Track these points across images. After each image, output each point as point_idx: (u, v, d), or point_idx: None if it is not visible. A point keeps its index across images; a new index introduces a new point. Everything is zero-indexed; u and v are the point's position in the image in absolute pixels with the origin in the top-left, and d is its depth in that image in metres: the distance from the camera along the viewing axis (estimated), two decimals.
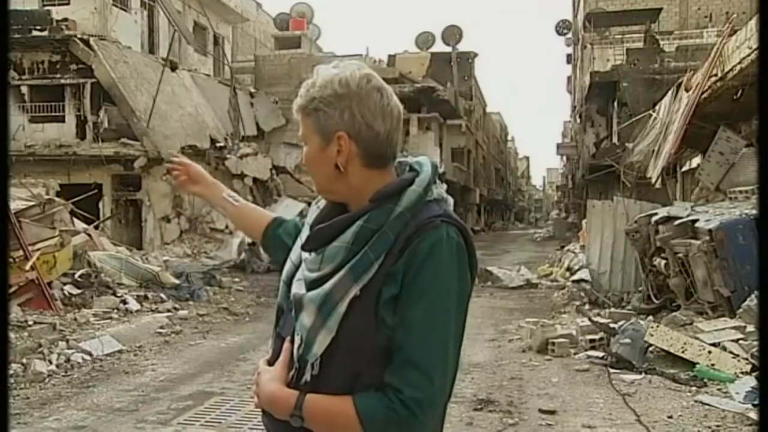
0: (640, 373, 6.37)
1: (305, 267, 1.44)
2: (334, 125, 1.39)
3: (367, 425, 1.29)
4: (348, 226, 1.37)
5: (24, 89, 18.98)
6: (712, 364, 6.10)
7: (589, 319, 8.19)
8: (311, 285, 1.40)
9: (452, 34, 39.57)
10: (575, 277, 13.00)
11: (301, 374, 1.39)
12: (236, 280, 13.56)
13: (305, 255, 1.46)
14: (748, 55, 7.98)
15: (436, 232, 1.33)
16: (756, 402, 4.95)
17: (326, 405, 1.33)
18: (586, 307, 10.31)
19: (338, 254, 1.37)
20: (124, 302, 9.96)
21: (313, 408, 1.34)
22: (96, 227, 14.31)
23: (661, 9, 28.23)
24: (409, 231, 1.34)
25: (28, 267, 8.80)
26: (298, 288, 1.44)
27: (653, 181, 11.66)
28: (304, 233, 1.52)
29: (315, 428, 1.35)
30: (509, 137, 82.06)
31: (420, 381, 1.29)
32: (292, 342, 1.42)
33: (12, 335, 7.22)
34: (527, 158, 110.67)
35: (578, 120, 33.95)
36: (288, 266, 1.54)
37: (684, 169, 13.59)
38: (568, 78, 46.50)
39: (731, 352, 6.15)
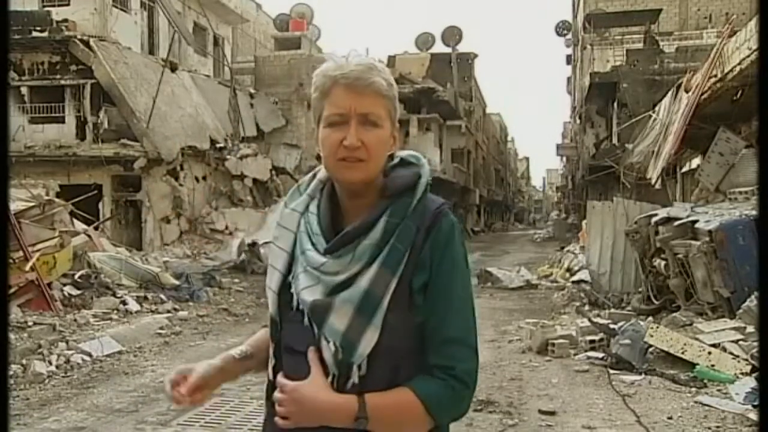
0: (640, 373, 6.37)
1: (320, 272, 1.40)
2: (396, 115, 1.47)
3: (431, 407, 1.35)
4: (374, 223, 1.40)
5: (24, 90, 18.99)
6: (712, 365, 6.09)
7: (589, 320, 8.19)
8: (337, 288, 1.38)
9: (452, 34, 39.60)
10: (575, 277, 13.00)
11: (344, 379, 1.37)
12: (236, 281, 13.55)
13: (320, 260, 1.41)
14: (748, 56, 7.98)
15: (447, 219, 1.43)
16: (756, 403, 4.95)
17: (389, 400, 1.35)
18: (586, 307, 10.31)
19: (366, 252, 1.38)
20: (124, 303, 9.96)
21: (377, 406, 1.35)
22: (96, 228, 14.31)
23: (660, 10, 28.25)
24: (428, 221, 1.41)
25: (27, 268, 8.80)
26: (310, 295, 1.40)
27: (653, 181, 11.66)
28: (285, 239, 1.48)
29: (380, 425, 1.35)
30: (509, 138, 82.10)
31: (465, 354, 1.42)
32: (319, 351, 1.39)
33: (12, 336, 7.21)
34: (527, 159, 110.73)
35: (578, 121, 33.97)
36: (276, 276, 1.48)
37: (684, 169, 13.59)
38: (568, 79, 46.52)
39: (731, 353, 6.15)
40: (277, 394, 1.39)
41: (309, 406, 1.36)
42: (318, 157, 1.51)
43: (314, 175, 1.54)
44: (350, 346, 1.36)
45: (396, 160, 1.50)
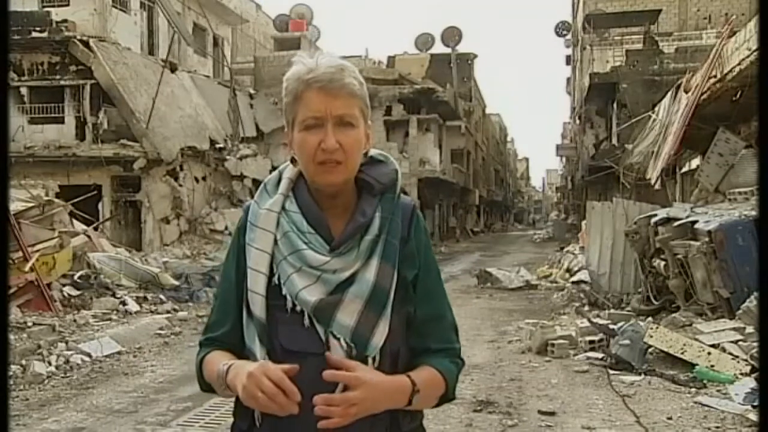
0: (640, 374, 6.37)
1: (321, 271, 1.40)
2: (368, 114, 1.48)
3: (449, 381, 1.50)
4: (371, 219, 1.44)
5: (23, 90, 18.97)
6: (712, 366, 6.09)
7: (589, 321, 8.19)
8: (341, 285, 1.40)
9: (452, 35, 39.61)
10: (575, 278, 13.00)
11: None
12: None
13: (322, 258, 1.40)
14: (748, 57, 7.98)
15: (417, 212, 1.54)
16: (755, 403, 4.95)
17: (424, 376, 1.45)
18: (586, 308, 10.31)
19: (368, 247, 1.42)
20: (124, 303, 9.96)
21: (421, 381, 1.43)
22: (95, 228, 14.31)
23: (660, 10, 28.26)
24: (406, 215, 1.50)
25: (27, 268, 8.81)
26: (311, 294, 1.39)
27: (653, 182, 11.66)
28: (264, 240, 1.44)
29: (421, 398, 1.43)
30: (509, 138, 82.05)
31: (457, 336, 1.56)
32: (329, 348, 1.38)
33: (11, 337, 7.21)
34: (527, 159, 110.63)
35: (578, 121, 33.96)
36: (261, 278, 1.43)
37: (683, 170, 13.59)
38: (568, 79, 46.50)
39: (731, 354, 6.15)
40: (345, 394, 1.31)
41: (379, 390, 1.36)
42: (293, 161, 1.50)
43: (280, 174, 1.53)
44: (362, 340, 1.39)
45: (365, 158, 1.51)
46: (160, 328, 8.94)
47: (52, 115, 19.25)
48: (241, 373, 1.34)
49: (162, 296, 10.88)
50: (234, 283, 1.51)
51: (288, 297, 1.41)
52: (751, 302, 6.68)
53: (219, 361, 1.44)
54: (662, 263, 8.90)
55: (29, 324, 7.97)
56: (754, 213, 7.24)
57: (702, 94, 9.65)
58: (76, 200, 13.16)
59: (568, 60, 44.37)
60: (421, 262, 1.50)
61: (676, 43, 25.93)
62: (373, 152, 1.53)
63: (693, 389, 5.85)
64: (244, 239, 1.49)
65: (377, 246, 1.43)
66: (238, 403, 1.51)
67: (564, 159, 50.55)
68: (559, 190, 64.85)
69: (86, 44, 18.31)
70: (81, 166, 18.55)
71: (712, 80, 9.47)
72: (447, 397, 1.51)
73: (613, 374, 6.46)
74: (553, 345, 7.44)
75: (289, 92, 1.44)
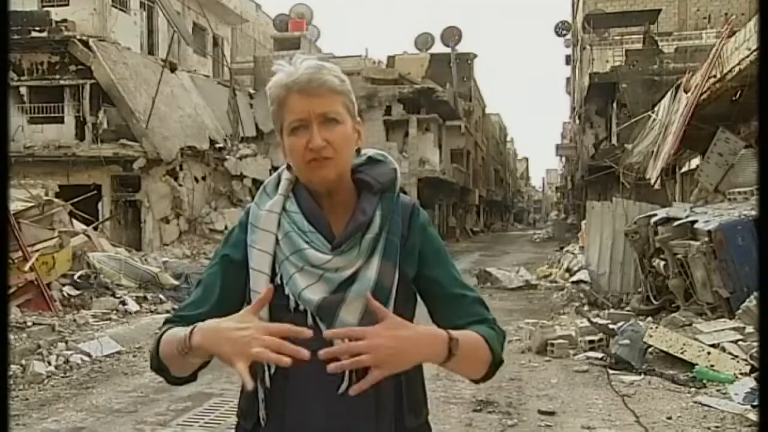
0: (640, 374, 6.37)
1: (323, 269, 1.41)
2: (354, 110, 1.48)
3: (491, 343, 1.45)
4: (372, 217, 1.44)
5: (23, 90, 18.98)
6: (712, 365, 6.10)
7: (589, 320, 8.19)
8: (343, 284, 1.40)
9: (451, 35, 39.62)
10: (574, 278, 12.99)
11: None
12: None
13: (324, 257, 1.41)
14: (747, 56, 7.99)
15: (417, 207, 1.56)
16: (755, 403, 4.96)
17: (462, 332, 1.40)
18: (586, 308, 10.31)
19: (369, 246, 1.43)
20: (123, 303, 9.96)
21: (460, 334, 1.38)
22: (95, 228, 14.30)
23: (660, 10, 28.27)
24: (406, 213, 1.51)
25: (27, 268, 8.80)
26: (313, 294, 1.40)
27: (652, 182, 11.67)
28: (265, 241, 1.44)
29: (461, 357, 1.36)
30: (508, 138, 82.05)
31: (485, 308, 1.56)
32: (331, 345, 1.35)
33: (11, 336, 7.21)
34: (526, 159, 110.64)
35: (577, 121, 33.97)
36: (263, 279, 1.44)
37: (683, 170, 13.59)
38: (568, 79, 46.52)
39: (730, 353, 6.15)
40: (360, 342, 1.25)
41: (408, 336, 1.31)
42: (289, 167, 1.51)
43: (279, 176, 1.54)
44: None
45: (364, 158, 1.53)
46: (160, 328, 8.93)
47: (52, 114, 19.26)
48: (219, 331, 1.28)
49: (162, 296, 10.87)
50: (220, 271, 1.51)
51: (291, 297, 1.42)
52: (751, 302, 6.69)
53: (181, 331, 1.37)
54: (662, 263, 8.90)
55: (29, 324, 7.96)
56: (754, 213, 7.24)
57: (702, 93, 9.66)
58: (75, 200, 13.15)
59: (568, 60, 44.39)
60: (427, 257, 1.51)
61: (676, 42, 25.93)
62: (371, 152, 1.54)
63: (693, 389, 5.85)
64: (245, 235, 1.49)
65: (378, 244, 1.44)
66: (243, 402, 1.52)
67: (564, 159, 50.59)
68: (559, 190, 64.89)
69: (86, 44, 18.32)
70: (81, 166, 18.56)
71: (712, 80, 9.47)
72: (494, 361, 1.46)
73: (613, 374, 6.47)
74: (552, 345, 7.44)
75: (273, 100, 1.46)
